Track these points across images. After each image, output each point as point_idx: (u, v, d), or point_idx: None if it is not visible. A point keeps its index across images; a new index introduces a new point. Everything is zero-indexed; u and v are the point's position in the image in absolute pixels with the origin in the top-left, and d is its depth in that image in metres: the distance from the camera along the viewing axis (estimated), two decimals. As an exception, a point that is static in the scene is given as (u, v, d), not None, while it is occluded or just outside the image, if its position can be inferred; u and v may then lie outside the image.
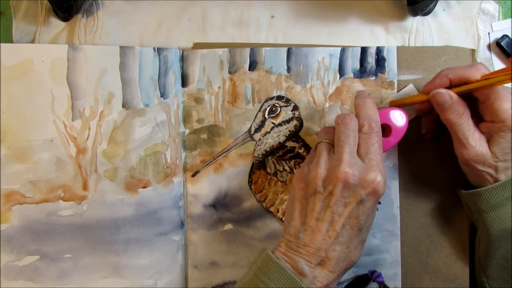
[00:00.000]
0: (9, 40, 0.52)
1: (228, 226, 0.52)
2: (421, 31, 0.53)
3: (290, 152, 0.52)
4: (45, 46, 0.51)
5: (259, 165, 0.52)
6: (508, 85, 0.42)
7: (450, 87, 0.45)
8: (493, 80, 0.42)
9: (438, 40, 0.53)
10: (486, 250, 0.46)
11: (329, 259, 0.41)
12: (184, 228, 0.52)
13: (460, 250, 0.52)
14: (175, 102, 0.52)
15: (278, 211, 0.52)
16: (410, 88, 0.52)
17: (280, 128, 0.52)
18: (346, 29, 0.53)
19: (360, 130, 0.43)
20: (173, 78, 0.52)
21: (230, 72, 0.52)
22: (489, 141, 0.44)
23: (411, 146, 0.52)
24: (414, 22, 0.53)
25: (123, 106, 0.50)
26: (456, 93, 0.44)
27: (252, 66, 0.52)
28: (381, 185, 0.41)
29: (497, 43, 0.53)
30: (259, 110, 0.52)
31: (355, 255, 0.42)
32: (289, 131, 0.52)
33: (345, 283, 0.50)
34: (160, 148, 0.51)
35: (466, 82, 0.44)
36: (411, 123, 0.48)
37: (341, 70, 0.52)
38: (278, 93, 0.52)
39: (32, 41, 0.52)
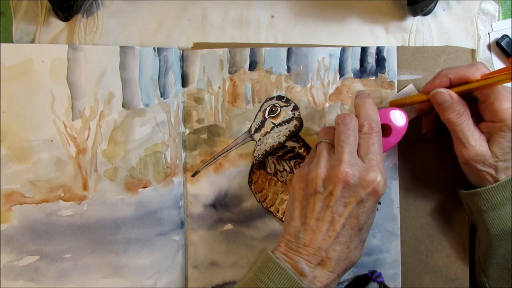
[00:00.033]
0: (9, 40, 0.52)
1: (228, 226, 0.52)
2: (421, 31, 0.53)
3: (290, 152, 0.52)
4: (45, 46, 0.51)
5: (259, 165, 0.52)
6: (508, 84, 0.42)
7: (450, 86, 0.45)
8: (493, 79, 0.42)
9: (438, 40, 0.53)
10: (486, 250, 0.46)
11: (329, 259, 0.41)
12: (184, 228, 0.52)
13: (460, 250, 0.52)
14: (175, 102, 0.52)
15: (278, 211, 0.52)
16: (410, 88, 0.52)
17: (280, 128, 0.52)
18: (346, 29, 0.53)
19: (360, 130, 0.43)
20: (173, 78, 0.52)
21: (230, 72, 0.52)
22: (489, 140, 0.44)
23: (411, 146, 0.52)
24: (414, 22, 0.53)
25: (123, 106, 0.50)
26: (456, 92, 0.44)
27: (252, 66, 0.52)
28: (381, 185, 0.41)
29: (497, 43, 0.53)
30: (259, 110, 0.52)
31: (355, 255, 0.42)
32: (289, 131, 0.52)
33: (345, 283, 0.50)
34: (160, 148, 0.51)
35: (466, 82, 0.44)
36: (411, 123, 0.48)
37: (341, 70, 0.52)
38: (278, 93, 0.52)
39: (32, 41, 0.52)
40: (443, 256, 0.52)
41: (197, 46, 0.53)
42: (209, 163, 0.52)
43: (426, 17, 0.53)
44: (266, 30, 0.53)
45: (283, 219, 0.52)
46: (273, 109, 0.52)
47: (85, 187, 0.50)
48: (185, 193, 0.52)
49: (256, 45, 0.53)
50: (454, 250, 0.52)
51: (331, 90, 0.52)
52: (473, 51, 0.53)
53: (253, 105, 0.52)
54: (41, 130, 0.49)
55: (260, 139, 0.52)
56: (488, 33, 0.53)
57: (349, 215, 0.41)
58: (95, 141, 0.50)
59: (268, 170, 0.52)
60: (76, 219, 0.50)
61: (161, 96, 0.51)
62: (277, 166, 0.52)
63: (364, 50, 0.52)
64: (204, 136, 0.52)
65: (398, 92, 0.52)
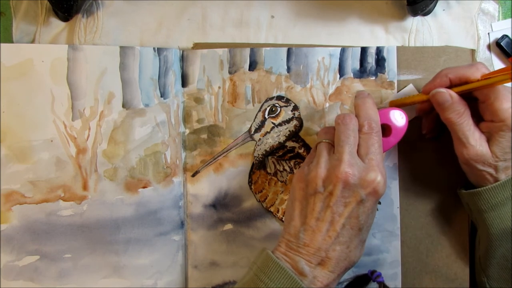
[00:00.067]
0: (9, 40, 0.52)
1: (228, 226, 0.52)
2: (421, 31, 0.53)
3: (290, 152, 0.52)
4: (45, 46, 0.51)
5: (259, 165, 0.52)
6: (508, 84, 0.42)
7: (450, 86, 0.45)
8: (493, 79, 0.42)
9: (438, 40, 0.53)
10: (486, 250, 0.46)
11: (329, 259, 0.41)
12: (184, 228, 0.52)
13: (460, 250, 0.52)
14: (175, 102, 0.52)
15: (278, 211, 0.52)
16: (410, 88, 0.52)
17: (280, 128, 0.52)
18: (346, 29, 0.53)
19: (360, 130, 0.43)
20: (173, 78, 0.52)
21: (230, 72, 0.52)
22: (489, 140, 0.44)
23: (411, 146, 0.52)
24: (414, 22, 0.53)
25: (123, 106, 0.50)
26: (456, 92, 0.44)
27: (252, 66, 0.52)
28: (381, 185, 0.41)
29: (497, 43, 0.53)
30: (259, 110, 0.52)
31: (355, 255, 0.42)
32: (289, 131, 0.52)
33: (345, 283, 0.50)
34: (160, 148, 0.51)
35: (466, 82, 0.44)
36: (411, 123, 0.48)
37: (341, 70, 0.52)
38: (278, 93, 0.52)
39: (32, 41, 0.52)
40: (443, 256, 0.52)
41: (197, 46, 0.53)
42: (209, 163, 0.52)
43: (426, 17, 0.53)
44: (266, 30, 0.53)
45: (283, 219, 0.52)
46: (273, 109, 0.52)
47: (85, 187, 0.50)
48: (185, 193, 0.52)
49: (256, 45, 0.53)
50: (454, 250, 0.52)
51: (331, 90, 0.52)
52: (473, 51, 0.53)
53: (253, 105, 0.52)
54: (41, 130, 0.49)
55: (260, 139, 0.52)
56: (488, 33, 0.53)
57: (349, 215, 0.41)
58: (95, 141, 0.50)
59: (268, 170, 0.52)
60: (76, 219, 0.50)
61: (161, 96, 0.51)
62: (277, 166, 0.52)
63: (364, 50, 0.52)
64: (204, 136, 0.52)
65: (398, 92, 0.52)
